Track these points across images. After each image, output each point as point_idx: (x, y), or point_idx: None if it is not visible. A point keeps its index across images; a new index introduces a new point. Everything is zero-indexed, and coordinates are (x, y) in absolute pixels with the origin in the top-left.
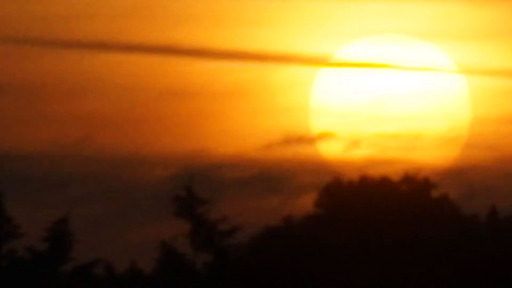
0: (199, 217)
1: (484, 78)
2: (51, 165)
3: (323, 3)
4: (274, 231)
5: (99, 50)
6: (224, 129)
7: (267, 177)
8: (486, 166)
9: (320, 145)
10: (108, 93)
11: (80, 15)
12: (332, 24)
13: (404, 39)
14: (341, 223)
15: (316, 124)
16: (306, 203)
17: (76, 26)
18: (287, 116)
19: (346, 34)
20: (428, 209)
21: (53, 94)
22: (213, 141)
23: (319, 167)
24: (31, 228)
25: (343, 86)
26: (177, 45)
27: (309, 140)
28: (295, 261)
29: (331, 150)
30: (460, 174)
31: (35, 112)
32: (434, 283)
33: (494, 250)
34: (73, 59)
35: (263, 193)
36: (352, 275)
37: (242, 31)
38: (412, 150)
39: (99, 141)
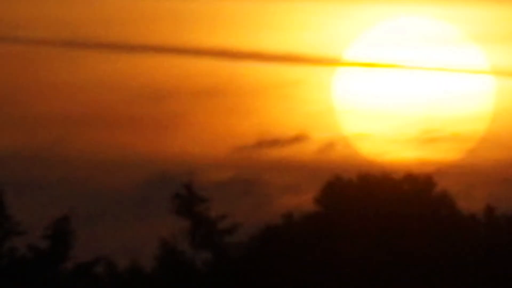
0: (199, 215)
1: None
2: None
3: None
4: (274, 229)
5: (69, 49)
6: (200, 131)
7: (242, 179)
8: (495, 166)
9: (295, 146)
10: (80, 94)
11: (52, 15)
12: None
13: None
14: (342, 221)
15: (291, 127)
16: (283, 206)
17: (46, 26)
18: (262, 118)
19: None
20: (428, 207)
21: (26, 95)
22: (188, 143)
23: (296, 169)
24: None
25: (361, 87)
26: (154, 43)
27: (284, 142)
28: (295, 259)
29: (305, 152)
30: (466, 173)
31: (7, 114)
32: (435, 281)
33: (492, 249)
34: (45, 58)
35: (238, 196)
36: (353, 273)
37: (215, 29)
38: (415, 150)
39: (73, 143)
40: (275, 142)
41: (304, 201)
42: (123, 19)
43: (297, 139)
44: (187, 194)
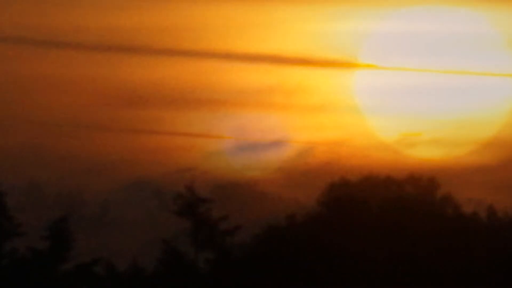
0: (201, 215)
1: None
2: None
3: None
4: (277, 230)
5: (48, 50)
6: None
7: (222, 185)
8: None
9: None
10: (59, 97)
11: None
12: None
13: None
14: (344, 222)
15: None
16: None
17: (24, 26)
18: (241, 122)
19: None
20: (431, 208)
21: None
22: (168, 145)
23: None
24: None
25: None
26: (134, 46)
27: (262, 147)
28: (298, 259)
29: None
30: (470, 174)
31: None
32: (438, 281)
33: (494, 248)
34: (23, 60)
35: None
36: (355, 273)
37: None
38: (415, 149)
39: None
40: (254, 146)
41: (286, 205)
42: (104, 22)
43: (276, 143)
44: (189, 195)
